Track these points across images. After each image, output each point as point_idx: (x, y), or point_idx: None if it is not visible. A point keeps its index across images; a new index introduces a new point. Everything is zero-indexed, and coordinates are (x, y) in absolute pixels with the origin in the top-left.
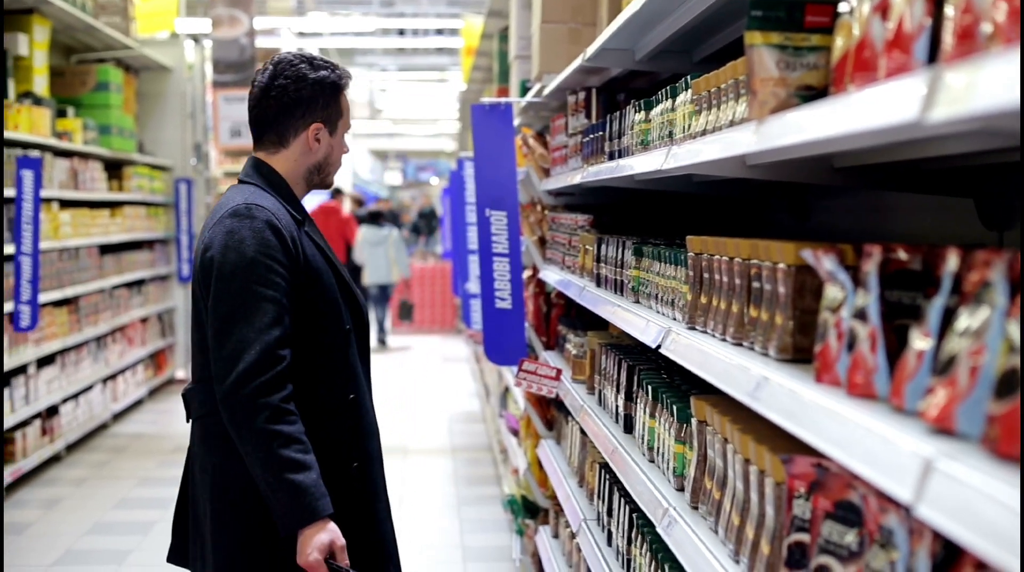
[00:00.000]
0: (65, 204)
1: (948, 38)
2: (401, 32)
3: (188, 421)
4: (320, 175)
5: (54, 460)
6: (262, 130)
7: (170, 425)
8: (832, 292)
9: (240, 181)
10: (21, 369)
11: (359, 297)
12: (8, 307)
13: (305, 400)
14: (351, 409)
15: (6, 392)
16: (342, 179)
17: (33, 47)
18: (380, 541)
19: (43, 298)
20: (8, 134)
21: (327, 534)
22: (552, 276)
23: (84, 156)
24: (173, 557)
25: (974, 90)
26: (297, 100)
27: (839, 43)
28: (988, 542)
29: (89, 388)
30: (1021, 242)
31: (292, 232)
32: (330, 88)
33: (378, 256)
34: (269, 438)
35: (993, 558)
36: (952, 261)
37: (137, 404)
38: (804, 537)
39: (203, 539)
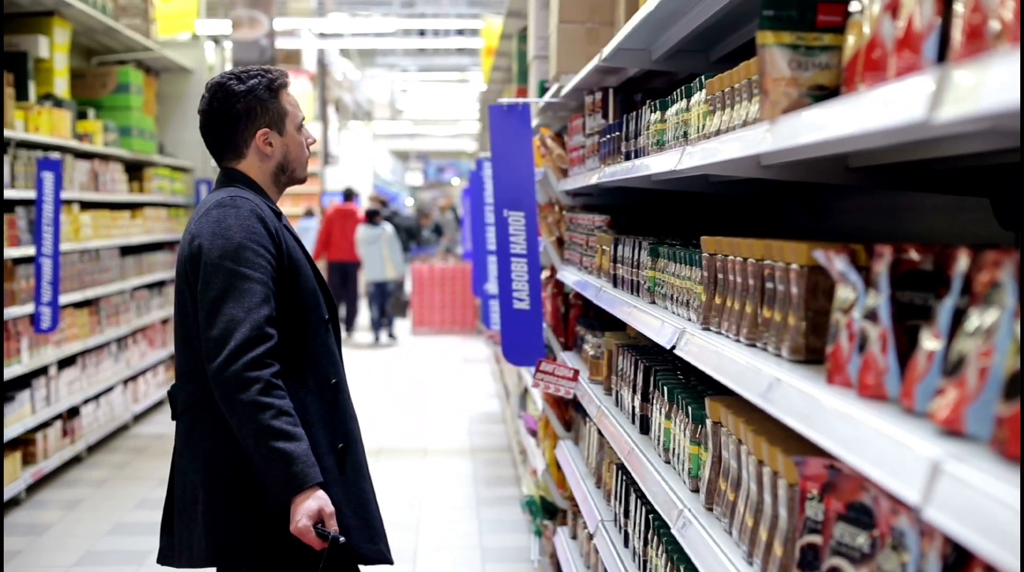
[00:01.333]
0: (86, 206)
1: (957, 37)
2: (421, 33)
3: (172, 420)
4: (286, 174)
5: (75, 461)
6: (218, 151)
7: None
8: (844, 293)
9: (215, 190)
10: (42, 370)
11: (329, 290)
12: (29, 309)
13: (293, 384)
14: (334, 392)
15: (27, 393)
16: (362, 180)
17: (53, 49)
18: (369, 518)
19: (64, 299)
20: (28, 136)
21: (316, 501)
22: (570, 277)
23: (105, 158)
24: (162, 558)
25: (981, 89)
26: (235, 116)
27: (850, 42)
28: (994, 544)
29: (110, 389)
30: (1020, 241)
31: (274, 223)
32: (264, 93)
33: (373, 254)
34: (260, 409)
35: (998, 560)
36: (962, 261)
37: (158, 405)
38: (816, 539)
39: (190, 525)
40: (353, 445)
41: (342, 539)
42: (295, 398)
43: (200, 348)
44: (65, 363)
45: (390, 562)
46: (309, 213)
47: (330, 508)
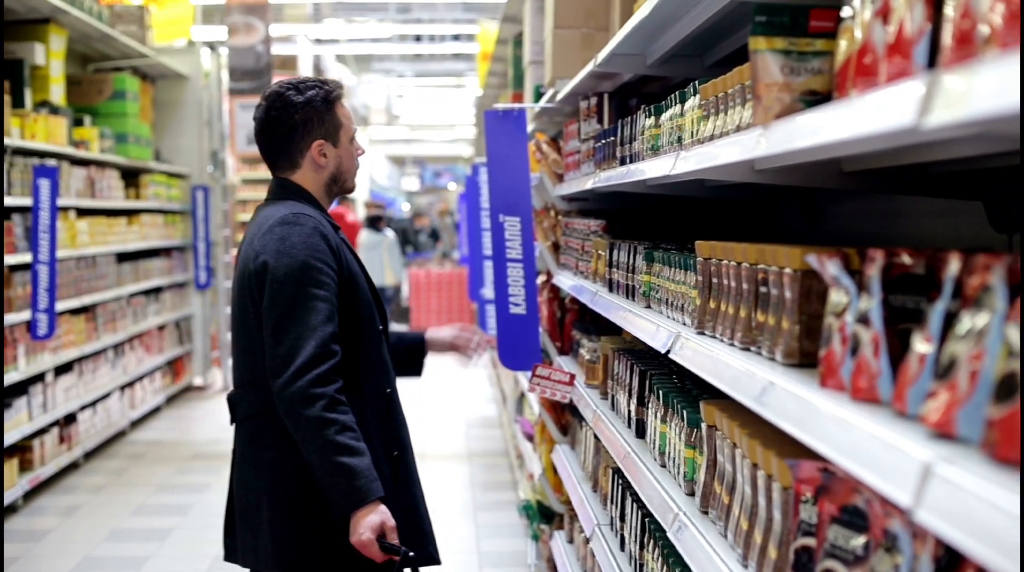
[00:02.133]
0: (82, 212)
1: (947, 42)
2: (418, 38)
3: (232, 424)
4: (338, 184)
5: (72, 468)
6: (273, 159)
7: (188, 432)
8: (837, 297)
9: (270, 200)
10: (39, 377)
11: (381, 300)
12: (26, 315)
13: (351, 395)
14: (389, 401)
15: (24, 400)
16: (358, 186)
17: (50, 56)
18: (420, 522)
19: (60, 306)
20: (25, 143)
21: (378, 515)
22: (566, 281)
23: (101, 164)
24: (228, 556)
25: (971, 95)
26: (292, 126)
27: (842, 48)
28: (985, 546)
29: (107, 396)
30: (1022, 246)
31: (334, 238)
32: (321, 105)
33: (373, 259)
34: (325, 425)
35: (990, 562)
36: (954, 265)
37: (155, 411)
38: (811, 542)
39: (255, 531)
40: (404, 451)
41: (411, 553)
42: (354, 409)
43: (264, 361)
44: (62, 370)
45: (438, 562)
46: None
47: (391, 522)
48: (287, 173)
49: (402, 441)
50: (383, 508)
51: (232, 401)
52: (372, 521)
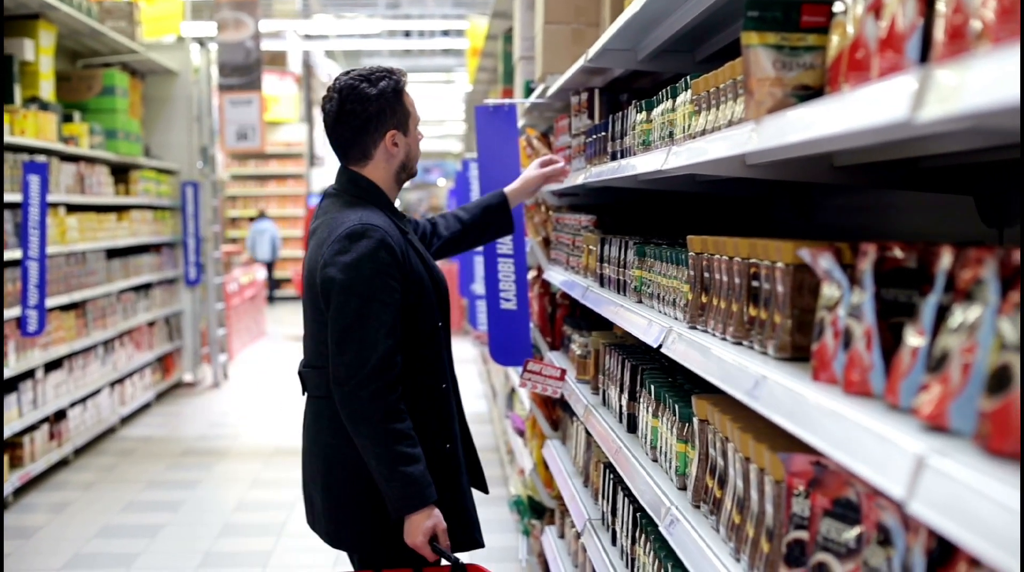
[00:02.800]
0: (72, 208)
1: (939, 37)
2: (407, 34)
3: (303, 394)
4: (406, 171)
5: (62, 464)
6: (344, 151)
7: (178, 428)
8: (829, 290)
9: (336, 191)
10: (29, 373)
11: (446, 294)
12: (16, 312)
13: (407, 390)
14: (444, 396)
15: (14, 397)
16: None
17: (39, 52)
18: (465, 509)
19: (50, 302)
20: (15, 139)
21: (431, 520)
22: (556, 276)
23: (90, 160)
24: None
25: (963, 89)
26: (367, 118)
27: (834, 43)
28: (979, 537)
29: (97, 392)
30: (1022, 240)
31: (401, 246)
32: (392, 95)
33: None
34: (385, 436)
35: (983, 553)
36: (946, 259)
37: (145, 408)
38: (803, 535)
39: (311, 499)
40: (457, 445)
41: (462, 563)
42: (410, 404)
43: (328, 353)
44: (52, 366)
45: (481, 546)
46: (262, 215)
47: (443, 525)
48: (358, 165)
49: (452, 432)
50: (436, 512)
51: (302, 376)
52: (425, 526)
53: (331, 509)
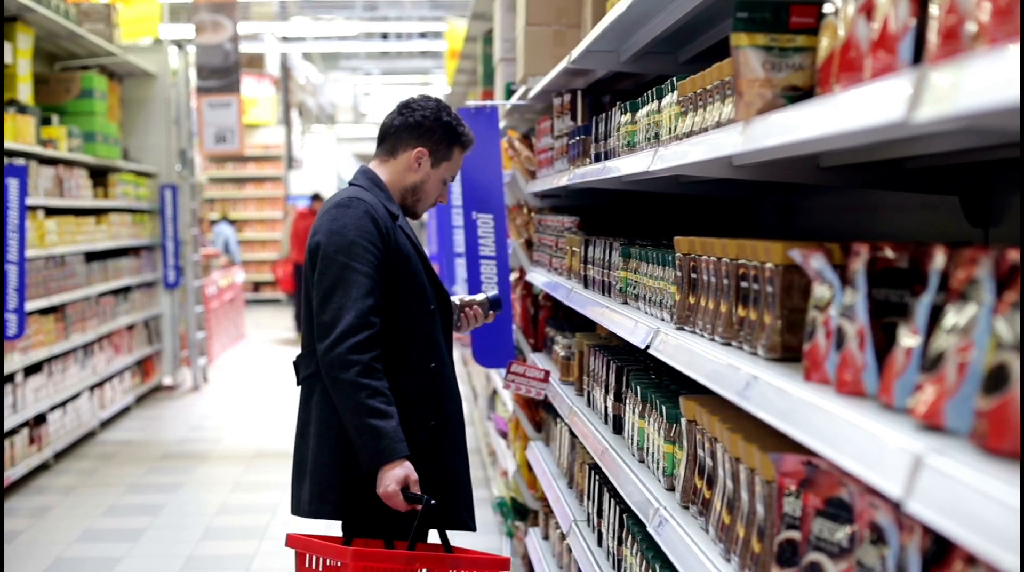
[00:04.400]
0: (51, 212)
1: (933, 38)
2: (384, 36)
3: (298, 385)
4: (412, 199)
5: (42, 468)
6: (382, 138)
7: (158, 432)
8: (820, 291)
9: (349, 184)
10: (8, 378)
11: (442, 284)
12: None
13: (393, 365)
14: (432, 375)
15: None
16: (326, 183)
17: (17, 55)
18: (458, 492)
19: (29, 306)
20: None
21: (402, 469)
22: (539, 278)
23: (69, 163)
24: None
25: (959, 90)
26: (417, 124)
27: (824, 44)
28: (978, 535)
29: (76, 396)
30: (1022, 239)
31: (387, 223)
32: (450, 133)
33: None
34: (358, 389)
35: (983, 551)
36: (939, 259)
37: (125, 411)
38: (795, 535)
39: (301, 479)
40: (447, 424)
41: (433, 501)
42: (393, 378)
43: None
44: (31, 370)
45: (473, 529)
46: (223, 218)
47: (415, 476)
48: (381, 159)
49: (444, 412)
50: (407, 464)
51: (296, 364)
52: (396, 474)
53: (316, 472)
